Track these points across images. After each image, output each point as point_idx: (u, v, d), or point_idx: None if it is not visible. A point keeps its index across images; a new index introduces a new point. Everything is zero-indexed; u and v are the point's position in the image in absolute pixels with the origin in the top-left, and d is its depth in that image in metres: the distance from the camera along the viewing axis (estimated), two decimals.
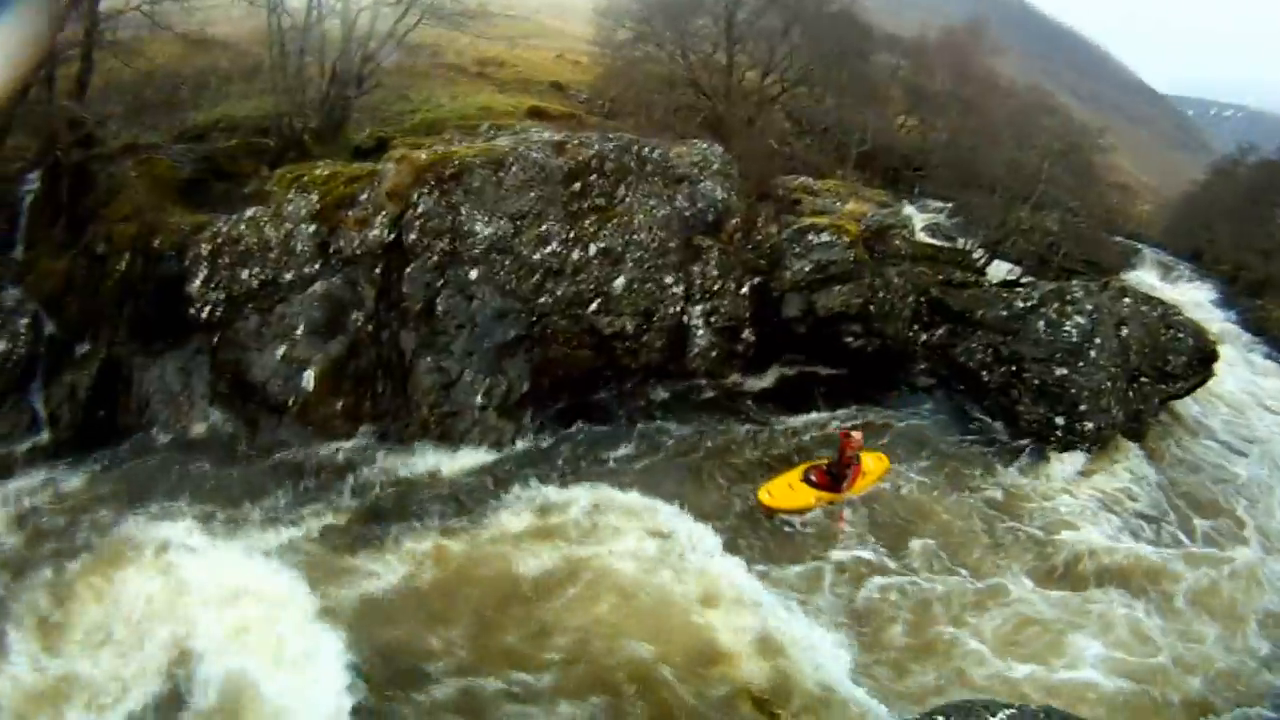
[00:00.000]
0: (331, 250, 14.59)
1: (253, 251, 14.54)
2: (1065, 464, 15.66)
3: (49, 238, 15.80)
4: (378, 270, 14.52)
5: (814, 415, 16.17)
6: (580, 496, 13.00)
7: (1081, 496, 15.03)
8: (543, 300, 14.81)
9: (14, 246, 15.60)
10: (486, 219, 14.69)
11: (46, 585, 10.68)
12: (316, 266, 14.50)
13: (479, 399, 14.19)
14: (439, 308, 14.36)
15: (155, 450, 13.69)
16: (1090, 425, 15.81)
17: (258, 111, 19.08)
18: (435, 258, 14.50)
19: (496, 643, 10.51)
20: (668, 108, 20.73)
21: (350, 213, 14.77)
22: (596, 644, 10.47)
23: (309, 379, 13.92)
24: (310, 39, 18.64)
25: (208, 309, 14.41)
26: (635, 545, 12.09)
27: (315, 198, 14.99)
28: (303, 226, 14.68)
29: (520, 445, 14.28)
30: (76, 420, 13.90)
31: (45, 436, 13.77)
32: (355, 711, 9.45)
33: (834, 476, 13.68)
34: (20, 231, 15.78)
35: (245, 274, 14.44)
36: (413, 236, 14.53)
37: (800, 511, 13.33)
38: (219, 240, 14.67)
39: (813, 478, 13.70)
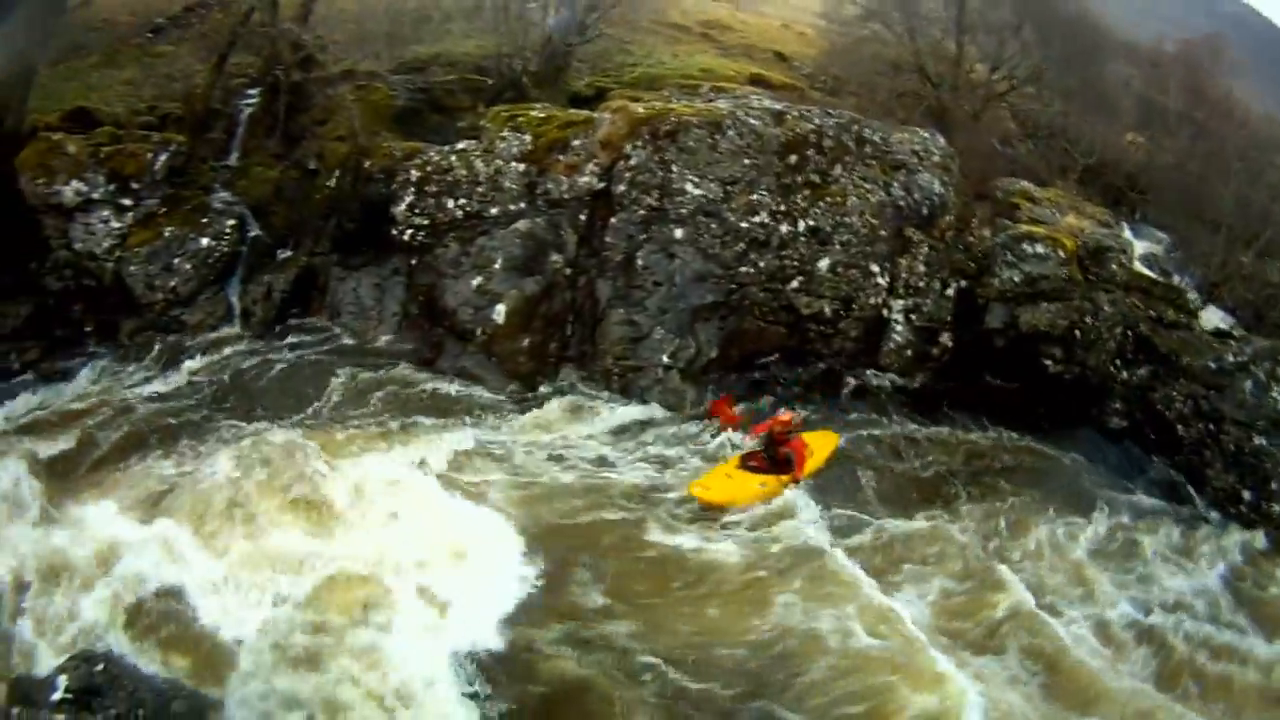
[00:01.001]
0: (539, 191, 14.56)
1: (460, 183, 14.67)
2: (1233, 545, 12.94)
3: (263, 149, 16.77)
4: (582, 216, 14.42)
5: (975, 437, 14.42)
6: None
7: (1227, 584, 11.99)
8: (744, 270, 14.23)
9: (230, 154, 16.69)
10: (698, 180, 14.24)
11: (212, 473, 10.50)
12: (522, 205, 14.49)
13: (665, 358, 13.85)
14: (639, 262, 14.08)
15: (341, 356, 14.13)
16: (1278, 508, 13.62)
17: (478, 50, 19.35)
18: (642, 211, 14.20)
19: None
20: (891, 91, 19.63)
21: (562, 157, 14.68)
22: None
23: (500, 312, 13.97)
24: None
25: (410, 232, 14.69)
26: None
27: (528, 138, 14.97)
28: (513, 165, 14.69)
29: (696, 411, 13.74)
30: (268, 317, 14.75)
31: (237, 328, 14.68)
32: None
33: (774, 460, 11.79)
34: (237, 141, 16.87)
35: (451, 203, 14.60)
36: (622, 188, 14.30)
37: (744, 504, 11.30)
38: (428, 169, 14.91)
39: (752, 463, 11.81)
